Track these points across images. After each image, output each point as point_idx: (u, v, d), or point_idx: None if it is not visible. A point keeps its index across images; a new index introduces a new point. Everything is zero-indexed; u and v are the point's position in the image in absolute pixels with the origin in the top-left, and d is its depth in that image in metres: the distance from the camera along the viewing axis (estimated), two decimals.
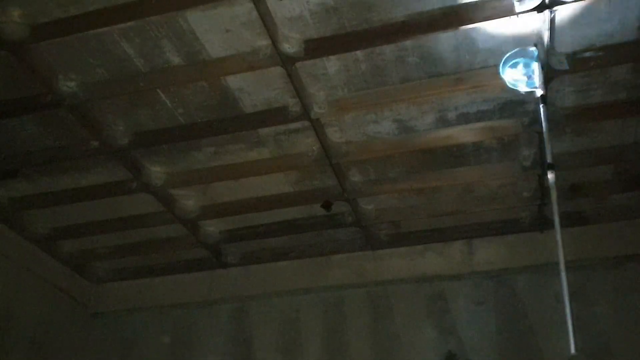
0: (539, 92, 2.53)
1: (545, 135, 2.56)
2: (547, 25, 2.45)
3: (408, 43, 2.61)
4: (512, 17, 2.43)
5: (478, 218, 3.80)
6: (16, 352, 3.81)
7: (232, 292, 4.26)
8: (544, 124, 2.56)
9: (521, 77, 2.53)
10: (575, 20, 2.49)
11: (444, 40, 2.60)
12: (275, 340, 4.05)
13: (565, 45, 2.60)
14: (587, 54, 2.62)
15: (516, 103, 2.91)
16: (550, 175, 2.53)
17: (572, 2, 2.37)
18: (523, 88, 2.55)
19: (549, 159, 2.55)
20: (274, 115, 2.99)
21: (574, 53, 2.63)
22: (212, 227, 3.97)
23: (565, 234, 3.76)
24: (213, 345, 4.16)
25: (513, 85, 2.56)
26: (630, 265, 3.62)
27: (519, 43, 2.59)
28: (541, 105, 2.55)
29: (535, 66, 2.51)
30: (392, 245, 4.01)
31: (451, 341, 3.66)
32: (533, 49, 2.52)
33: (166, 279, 4.39)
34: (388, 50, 2.65)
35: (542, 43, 2.51)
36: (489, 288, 3.81)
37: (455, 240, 3.94)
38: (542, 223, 3.72)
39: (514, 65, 2.51)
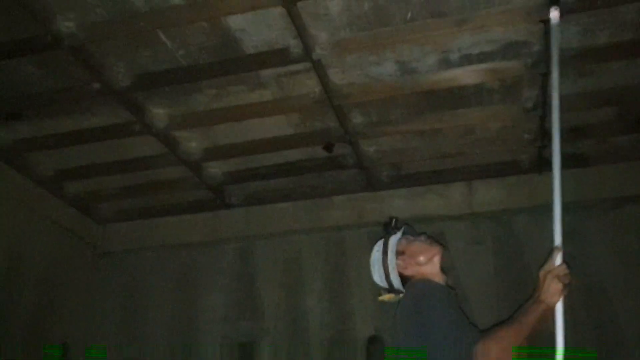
0: None
1: None
2: None
3: None
4: None
5: (478, 160, 3.82)
6: (26, 290, 3.91)
7: (236, 232, 4.33)
8: None
9: None
10: None
11: None
12: (278, 278, 4.16)
13: None
14: None
15: (520, 44, 2.88)
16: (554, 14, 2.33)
17: None
18: None
19: None
20: (275, 56, 2.96)
21: None
22: (215, 169, 4.01)
23: (565, 175, 3.78)
24: (217, 283, 4.28)
25: None
26: (628, 207, 3.67)
27: None
28: None
29: None
30: (393, 187, 4.05)
31: (450, 279, 3.75)
32: None
33: (171, 219, 4.47)
34: None
35: None
36: (487, 228, 3.88)
37: (456, 182, 3.98)
38: (542, 165, 3.74)
39: None
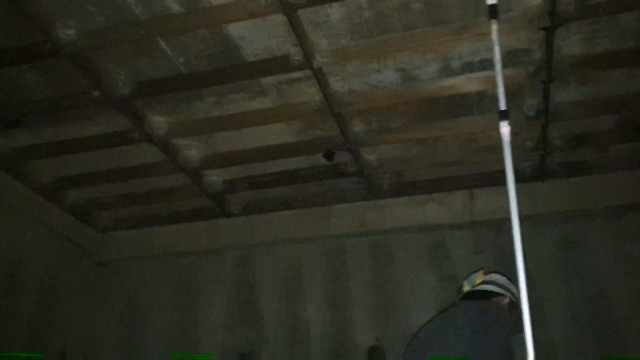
0: None
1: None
2: None
3: None
4: None
5: (480, 168, 3.81)
6: (25, 298, 3.90)
7: (236, 240, 4.31)
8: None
9: None
10: None
11: None
12: (278, 288, 4.14)
13: None
14: (596, 1, 2.56)
15: (521, 52, 2.87)
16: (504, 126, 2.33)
17: None
18: None
19: (502, 106, 2.33)
20: (275, 64, 2.95)
21: None
22: (215, 177, 3.99)
23: (567, 183, 3.83)
24: (217, 291, 4.25)
25: None
26: (630, 215, 3.66)
27: None
28: None
29: None
30: (394, 195, 4.04)
31: (450, 288, 3.73)
32: None
33: (170, 228, 4.45)
34: None
35: None
36: (489, 237, 3.86)
37: (457, 190, 3.96)
38: (544, 173, 3.73)
39: None
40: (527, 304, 2.04)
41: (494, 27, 2.30)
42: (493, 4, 2.31)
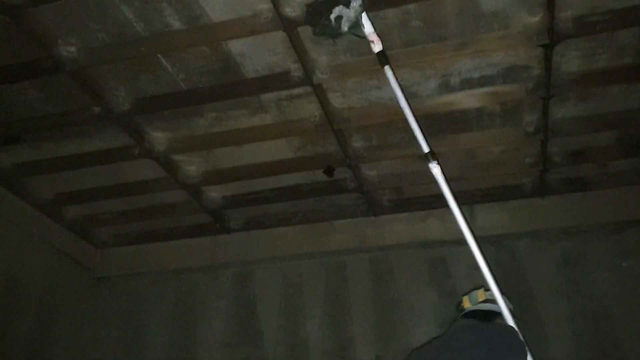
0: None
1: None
2: None
3: (411, 6, 2.57)
4: None
5: (480, 184, 3.81)
6: (24, 315, 3.87)
7: (235, 257, 4.30)
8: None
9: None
10: None
11: (448, 4, 2.56)
12: (278, 304, 4.11)
13: (572, 8, 2.56)
14: (593, 18, 2.58)
15: (520, 68, 2.89)
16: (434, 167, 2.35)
17: None
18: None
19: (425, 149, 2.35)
20: (275, 80, 2.97)
21: (581, 16, 2.59)
22: (215, 193, 3.99)
23: (567, 199, 3.82)
24: (217, 309, 4.22)
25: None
26: (630, 231, 3.65)
27: (524, 5, 2.55)
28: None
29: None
30: (394, 211, 4.03)
31: (451, 304, 3.71)
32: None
33: (170, 244, 4.43)
34: (391, 14, 2.61)
35: None
36: (489, 253, 3.83)
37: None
38: (544, 189, 3.73)
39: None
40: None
41: (389, 73, 2.29)
42: (380, 51, 2.25)
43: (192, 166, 3.71)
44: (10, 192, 3.80)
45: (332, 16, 2.10)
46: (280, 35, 2.68)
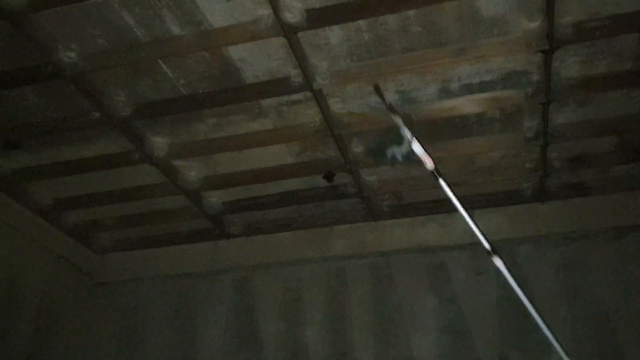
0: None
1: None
2: None
3: (411, 12, 2.58)
4: None
5: (480, 189, 3.81)
6: (23, 320, 3.86)
7: (235, 262, 4.29)
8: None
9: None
10: None
11: (447, 10, 2.57)
12: (278, 310, 4.10)
13: (571, 14, 2.57)
14: (593, 24, 2.59)
15: (520, 73, 2.89)
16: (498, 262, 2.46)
17: None
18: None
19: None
20: (275, 86, 2.97)
21: (580, 22, 2.60)
22: (215, 198, 3.99)
23: (567, 204, 3.82)
24: (216, 314, 4.21)
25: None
26: (631, 236, 3.64)
27: (523, 11, 2.56)
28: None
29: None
30: (394, 216, 4.03)
31: (452, 310, 3.71)
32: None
33: (169, 249, 4.43)
34: (391, 19, 2.62)
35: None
36: (489, 258, 3.83)
37: (457, 211, 3.94)
38: (544, 194, 3.72)
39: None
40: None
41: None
42: (434, 169, 2.34)
43: (192, 171, 3.71)
44: (10, 197, 3.80)
45: (389, 153, 2.41)
46: (280, 40, 2.69)
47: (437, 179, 2.32)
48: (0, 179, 3.67)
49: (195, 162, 3.62)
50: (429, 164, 2.29)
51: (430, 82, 2.97)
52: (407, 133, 2.30)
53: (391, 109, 2.36)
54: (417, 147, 2.29)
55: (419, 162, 2.31)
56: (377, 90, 2.40)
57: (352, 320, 3.93)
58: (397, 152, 2.36)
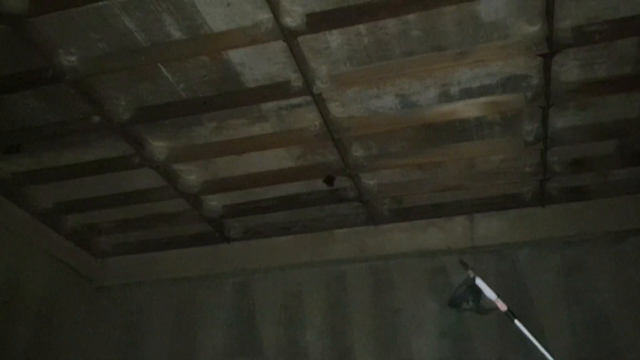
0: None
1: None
2: None
3: (411, 17, 2.58)
4: None
5: (480, 193, 3.81)
6: (23, 324, 3.86)
7: (235, 266, 4.29)
8: None
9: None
10: None
11: (447, 14, 2.57)
12: (278, 313, 4.10)
13: (571, 18, 2.57)
14: (592, 28, 2.59)
15: (519, 77, 2.89)
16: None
17: None
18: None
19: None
20: (275, 90, 2.97)
21: (580, 26, 2.60)
22: (215, 202, 3.99)
23: (567, 208, 3.82)
24: (216, 318, 4.21)
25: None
26: (631, 240, 3.64)
27: (523, 15, 2.56)
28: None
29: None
30: (394, 220, 4.02)
31: (452, 314, 3.70)
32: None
33: (170, 253, 4.42)
34: (391, 24, 2.62)
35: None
36: (490, 262, 3.83)
37: (457, 215, 3.95)
38: (544, 198, 3.72)
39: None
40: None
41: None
42: (507, 310, 2.52)
43: (192, 175, 3.71)
44: (10, 201, 3.80)
45: (466, 306, 2.66)
46: (280, 45, 2.69)
47: (513, 321, 2.52)
48: (0, 182, 3.67)
49: (195, 166, 3.62)
50: (502, 307, 2.53)
51: (430, 86, 2.98)
52: (482, 284, 2.58)
53: (464, 265, 2.64)
54: (490, 293, 2.56)
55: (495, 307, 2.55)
56: (463, 264, 2.66)
57: (352, 324, 3.92)
58: (474, 301, 2.62)
